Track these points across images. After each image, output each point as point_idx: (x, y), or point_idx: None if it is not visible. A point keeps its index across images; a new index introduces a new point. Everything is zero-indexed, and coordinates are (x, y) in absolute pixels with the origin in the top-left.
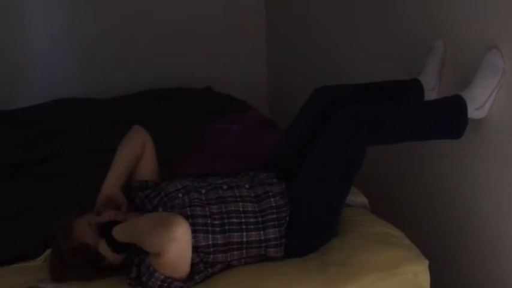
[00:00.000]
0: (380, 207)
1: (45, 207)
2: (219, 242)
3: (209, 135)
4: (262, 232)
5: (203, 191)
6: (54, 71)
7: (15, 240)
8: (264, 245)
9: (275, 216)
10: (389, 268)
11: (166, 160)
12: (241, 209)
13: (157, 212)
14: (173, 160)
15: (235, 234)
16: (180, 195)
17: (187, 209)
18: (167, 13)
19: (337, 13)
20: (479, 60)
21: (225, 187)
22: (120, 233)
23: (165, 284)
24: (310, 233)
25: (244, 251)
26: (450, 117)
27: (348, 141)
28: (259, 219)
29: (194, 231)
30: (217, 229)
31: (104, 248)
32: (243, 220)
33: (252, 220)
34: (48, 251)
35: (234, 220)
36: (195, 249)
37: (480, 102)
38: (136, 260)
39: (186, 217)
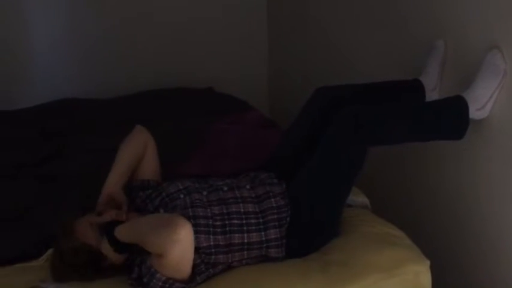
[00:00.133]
0: (381, 208)
1: (47, 207)
2: (221, 243)
3: (210, 136)
4: (263, 233)
5: (204, 193)
6: (54, 71)
7: (17, 240)
8: (265, 245)
9: (276, 216)
10: (390, 268)
11: (167, 160)
12: (242, 210)
13: (159, 213)
14: (174, 160)
15: (236, 235)
16: (182, 196)
17: (189, 209)
18: (168, 13)
19: (338, 13)
20: (481, 60)
21: (225, 188)
22: (122, 233)
23: (167, 285)
24: (311, 233)
25: (245, 252)
26: (452, 118)
27: (348, 142)
28: (260, 220)
29: (196, 232)
30: (219, 230)
31: (106, 248)
32: (244, 221)
33: (253, 221)
34: (50, 251)
35: (235, 221)
36: (197, 250)
37: (481, 102)
38: (138, 260)
39: (188, 218)
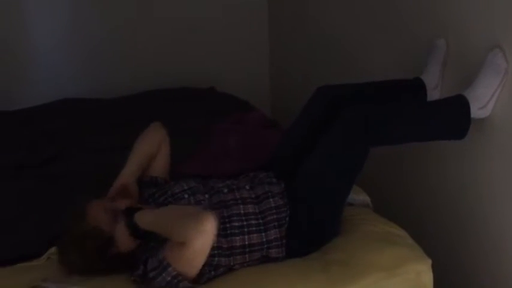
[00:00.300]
0: (382, 206)
1: (49, 207)
2: (224, 245)
3: (213, 136)
4: (263, 234)
5: (207, 196)
6: (57, 71)
7: (18, 240)
8: (265, 246)
9: (275, 217)
10: (392, 267)
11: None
12: (242, 211)
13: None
14: (177, 160)
15: (237, 238)
16: (186, 196)
17: None
18: (170, 14)
19: (339, 13)
20: (482, 59)
21: (225, 190)
22: (143, 218)
23: (175, 281)
24: (311, 232)
25: (247, 255)
26: (454, 117)
27: (356, 142)
28: (260, 220)
29: None
30: (221, 233)
31: (121, 232)
32: (245, 223)
33: (253, 222)
34: (51, 250)
35: (236, 224)
36: None
37: (483, 101)
38: (143, 257)
39: None
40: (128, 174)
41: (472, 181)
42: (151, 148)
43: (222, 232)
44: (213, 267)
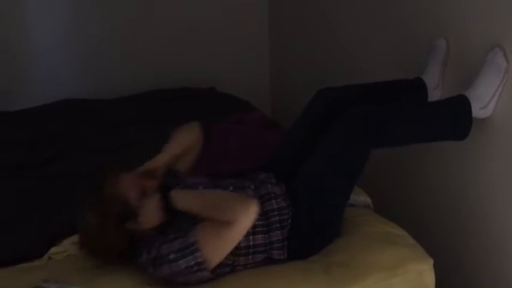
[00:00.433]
0: (383, 207)
1: (49, 207)
2: None
3: (213, 136)
4: (267, 235)
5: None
6: (57, 72)
7: (19, 241)
8: (268, 247)
9: (277, 218)
10: (393, 267)
11: None
12: None
13: None
14: None
15: (243, 238)
16: (201, 187)
17: None
18: (170, 14)
19: (339, 13)
20: (482, 59)
21: (231, 188)
22: (182, 197)
23: (195, 268)
24: (312, 234)
25: (250, 256)
26: (455, 118)
27: (356, 142)
28: (264, 221)
29: None
30: None
31: (152, 206)
32: None
33: (258, 223)
34: (52, 249)
35: None
36: None
37: (484, 101)
38: (157, 242)
39: None
40: (162, 160)
41: (473, 181)
42: (188, 142)
43: None
44: (218, 265)
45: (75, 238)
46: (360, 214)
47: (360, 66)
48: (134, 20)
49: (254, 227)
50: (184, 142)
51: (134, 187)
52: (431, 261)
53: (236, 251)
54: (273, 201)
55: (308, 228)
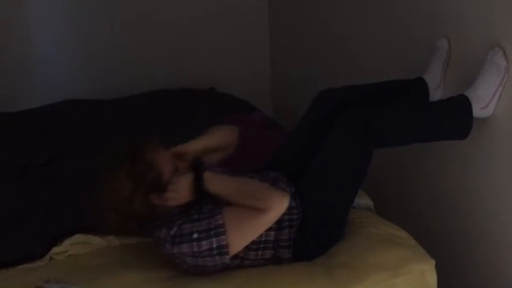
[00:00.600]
0: (385, 209)
1: (50, 208)
2: None
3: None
4: (278, 232)
5: None
6: (58, 73)
7: (21, 241)
8: (276, 245)
9: (287, 217)
10: (395, 268)
11: None
12: None
13: None
14: None
15: None
16: None
17: None
18: (169, 14)
19: (340, 13)
20: (482, 58)
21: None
22: (216, 179)
23: (217, 251)
24: (318, 235)
25: (260, 251)
26: (456, 118)
27: (357, 143)
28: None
29: None
30: None
31: (184, 183)
32: None
33: None
34: (54, 250)
35: None
36: None
37: (485, 101)
38: (179, 221)
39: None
40: (194, 147)
41: (473, 182)
42: (224, 141)
43: None
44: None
45: (76, 238)
46: (362, 216)
47: (361, 67)
48: (134, 21)
49: None
50: (220, 139)
51: (169, 163)
52: (433, 261)
53: (248, 245)
54: None
55: (314, 230)
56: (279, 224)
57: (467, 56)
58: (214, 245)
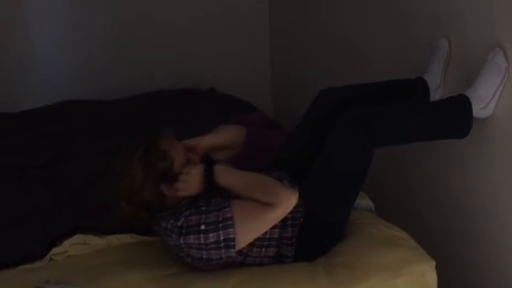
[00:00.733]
0: (385, 209)
1: (50, 209)
2: None
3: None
4: (282, 230)
5: None
6: (58, 74)
7: (21, 242)
8: (279, 242)
9: (290, 215)
10: (396, 268)
11: None
12: None
13: None
14: None
15: None
16: None
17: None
18: (169, 14)
19: (340, 13)
20: (483, 58)
21: None
22: (226, 173)
23: (224, 243)
24: (320, 234)
25: (263, 249)
26: (456, 117)
27: (357, 142)
28: None
29: None
30: None
31: (195, 174)
32: None
33: None
34: (54, 250)
35: None
36: None
37: (485, 101)
38: (187, 212)
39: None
40: (204, 142)
41: (473, 182)
42: (231, 140)
43: None
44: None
45: (76, 239)
46: (363, 217)
47: (361, 67)
48: (134, 21)
49: None
50: (227, 138)
51: (182, 154)
52: (434, 262)
53: (253, 241)
54: None
55: (315, 229)
56: (282, 222)
57: (468, 56)
58: (222, 238)
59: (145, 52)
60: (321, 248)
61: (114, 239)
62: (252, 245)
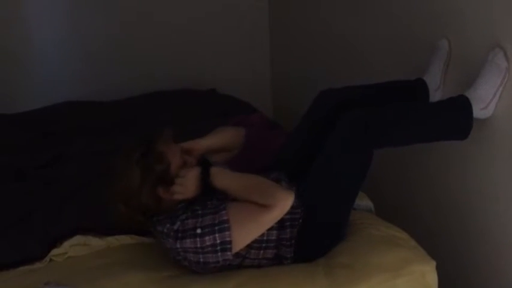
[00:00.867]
0: (385, 210)
1: (50, 209)
2: None
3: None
4: (280, 231)
5: None
6: (58, 74)
7: (21, 243)
8: (279, 244)
9: (289, 216)
10: (396, 269)
11: None
12: None
13: None
14: None
15: None
16: None
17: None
18: (170, 15)
19: (340, 13)
20: (483, 59)
21: None
22: (222, 175)
23: (220, 246)
24: (320, 235)
25: (262, 251)
26: (456, 118)
27: (358, 144)
28: None
29: None
30: None
31: (192, 177)
32: None
33: None
34: (53, 251)
35: None
36: None
37: (485, 102)
38: (183, 215)
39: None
40: (201, 145)
41: (474, 182)
42: (229, 142)
43: None
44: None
45: (75, 240)
46: (363, 217)
47: (361, 67)
48: (134, 22)
49: None
50: (225, 140)
51: (178, 156)
52: (434, 262)
53: (251, 243)
54: None
55: (314, 230)
56: (280, 224)
57: (468, 56)
58: (218, 241)
59: (145, 52)
60: (321, 249)
61: (113, 240)
62: (249, 247)
